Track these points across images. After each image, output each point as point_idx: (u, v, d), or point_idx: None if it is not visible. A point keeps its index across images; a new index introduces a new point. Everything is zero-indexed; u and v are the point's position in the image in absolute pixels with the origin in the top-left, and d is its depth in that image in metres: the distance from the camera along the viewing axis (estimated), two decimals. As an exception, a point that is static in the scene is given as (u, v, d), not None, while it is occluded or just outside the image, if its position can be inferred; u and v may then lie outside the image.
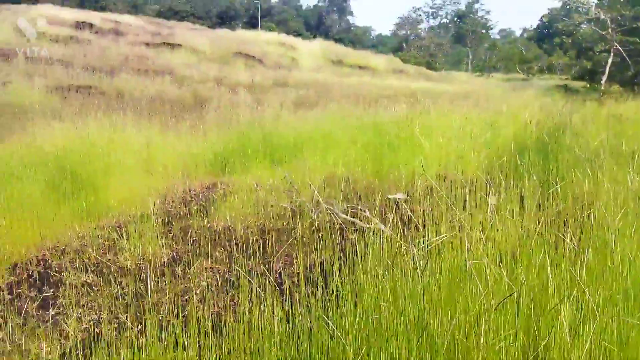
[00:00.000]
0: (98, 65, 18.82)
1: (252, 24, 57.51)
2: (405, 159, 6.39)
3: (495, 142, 7.05)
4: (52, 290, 3.73)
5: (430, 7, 75.94)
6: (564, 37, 31.52)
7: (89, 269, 3.98)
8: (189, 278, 3.74)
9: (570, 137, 6.61)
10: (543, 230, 2.83)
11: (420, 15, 75.24)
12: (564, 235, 2.67)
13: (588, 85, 27.24)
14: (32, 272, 4.00)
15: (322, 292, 2.62)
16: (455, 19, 68.16)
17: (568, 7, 31.95)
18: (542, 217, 3.17)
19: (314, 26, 73.71)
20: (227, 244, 4.36)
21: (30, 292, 3.70)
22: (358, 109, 10.61)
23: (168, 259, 4.17)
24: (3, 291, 3.67)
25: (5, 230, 4.31)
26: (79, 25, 25.38)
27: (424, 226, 2.93)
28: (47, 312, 3.38)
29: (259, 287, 2.68)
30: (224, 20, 59.87)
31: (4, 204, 4.62)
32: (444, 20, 72.13)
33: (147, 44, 24.77)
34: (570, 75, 31.37)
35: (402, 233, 3.11)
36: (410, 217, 3.62)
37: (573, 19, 28.67)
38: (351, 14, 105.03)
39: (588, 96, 21.07)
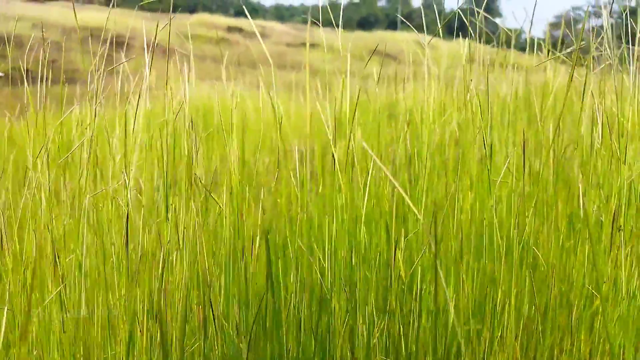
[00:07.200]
0: (242, 61, 20.27)
1: (392, 29, 57.63)
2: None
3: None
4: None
5: (592, 7, 68.23)
6: None
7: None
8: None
9: None
10: None
11: (580, 14, 68.28)
12: None
13: None
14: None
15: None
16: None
17: None
18: None
19: (457, 29, 71.95)
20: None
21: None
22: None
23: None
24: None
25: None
26: (230, 29, 27.78)
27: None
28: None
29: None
30: (364, 26, 60.78)
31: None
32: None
33: (288, 45, 26.12)
34: None
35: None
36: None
37: None
38: (500, 15, 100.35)
39: None
